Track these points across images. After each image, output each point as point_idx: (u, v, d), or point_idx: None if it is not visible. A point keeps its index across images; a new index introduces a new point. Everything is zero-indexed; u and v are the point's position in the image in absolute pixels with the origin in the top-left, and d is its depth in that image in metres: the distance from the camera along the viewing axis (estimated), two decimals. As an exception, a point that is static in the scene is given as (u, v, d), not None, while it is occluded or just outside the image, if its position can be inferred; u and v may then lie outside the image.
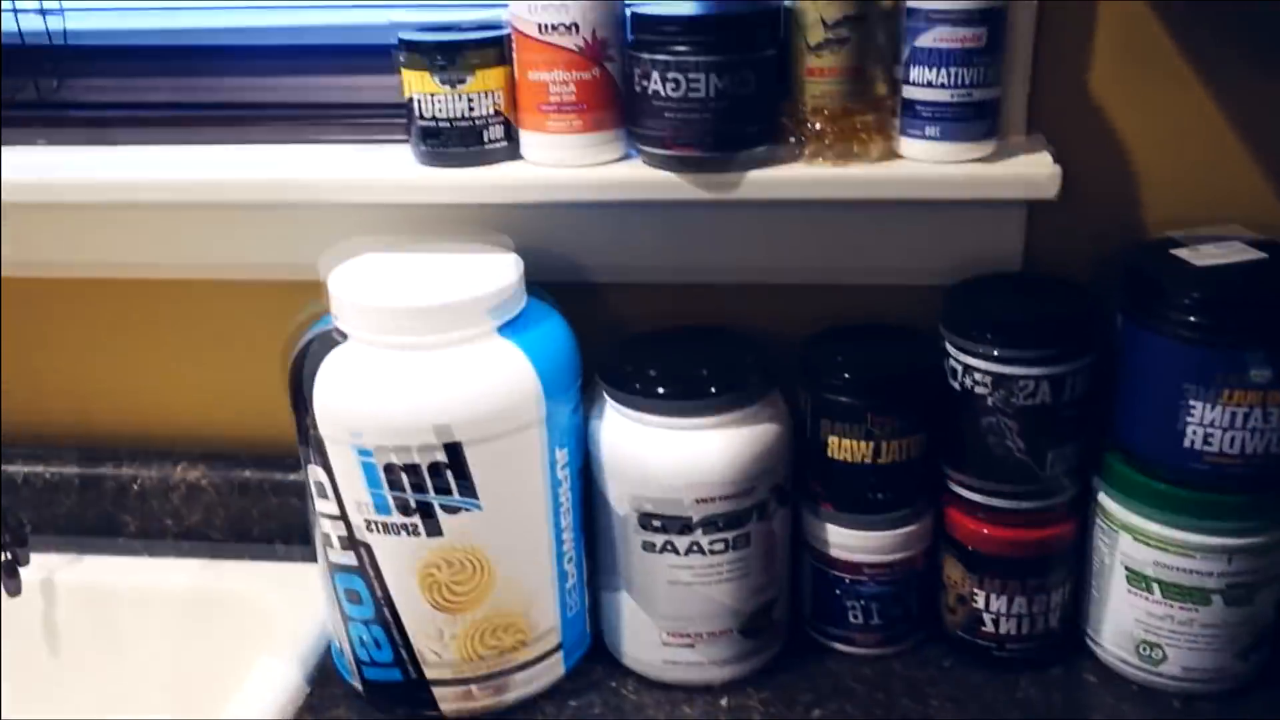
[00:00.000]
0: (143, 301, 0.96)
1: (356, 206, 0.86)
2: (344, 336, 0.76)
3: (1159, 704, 0.79)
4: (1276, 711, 0.78)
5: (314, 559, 0.82)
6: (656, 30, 0.74)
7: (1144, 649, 0.79)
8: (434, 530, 0.75)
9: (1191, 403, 0.72)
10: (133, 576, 0.95)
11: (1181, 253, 0.76)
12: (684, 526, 0.77)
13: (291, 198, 0.81)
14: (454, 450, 0.73)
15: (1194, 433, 0.73)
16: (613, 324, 0.87)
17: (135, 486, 0.97)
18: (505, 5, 0.78)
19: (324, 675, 0.84)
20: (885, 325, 0.85)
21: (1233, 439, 0.72)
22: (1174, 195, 0.82)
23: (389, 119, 0.86)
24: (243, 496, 0.97)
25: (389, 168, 0.81)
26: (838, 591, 0.83)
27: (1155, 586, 0.77)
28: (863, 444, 0.79)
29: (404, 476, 0.73)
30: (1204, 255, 0.75)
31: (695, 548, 0.77)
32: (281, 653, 0.85)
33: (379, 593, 0.77)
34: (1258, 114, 0.81)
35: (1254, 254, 0.75)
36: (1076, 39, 0.79)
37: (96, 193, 0.84)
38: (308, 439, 0.77)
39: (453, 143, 0.79)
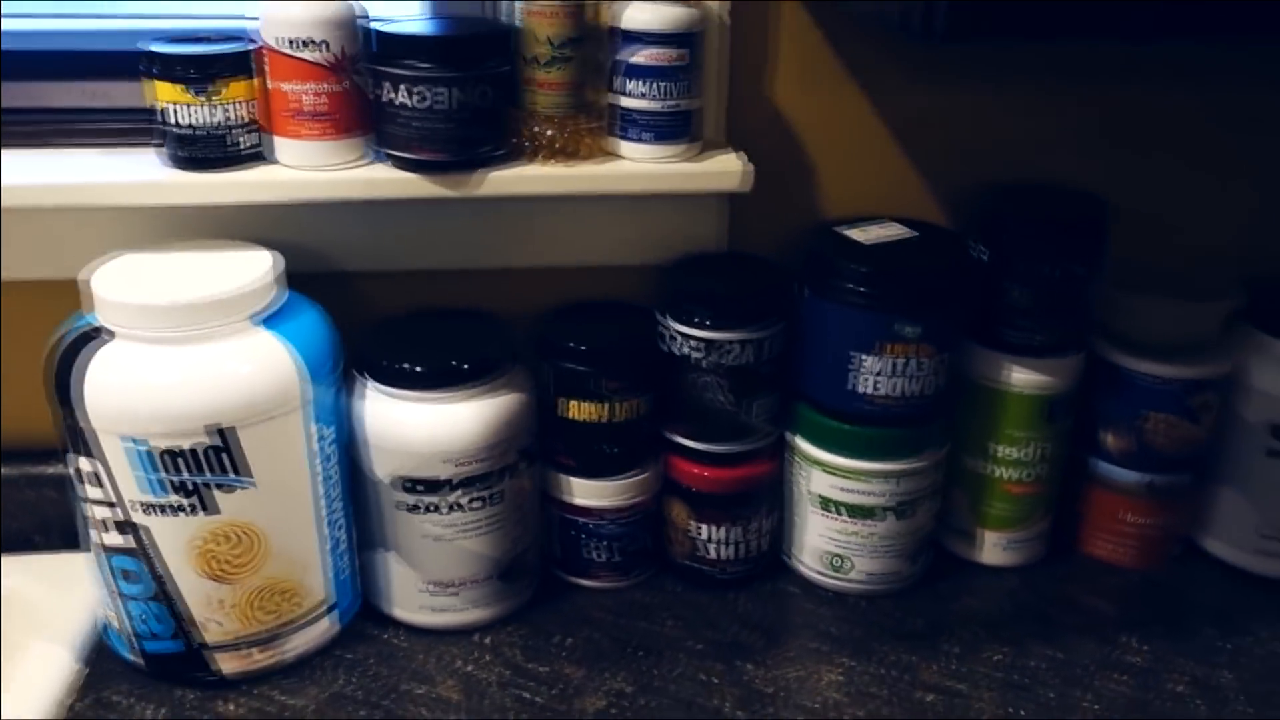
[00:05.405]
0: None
1: (107, 211, 0.88)
2: (109, 334, 0.80)
3: (848, 605, 0.95)
4: (938, 599, 0.96)
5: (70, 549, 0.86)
6: (401, 48, 0.81)
7: (834, 561, 0.95)
8: (210, 508, 0.80)
9: (861, 356, 0.88)
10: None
11: (852, 233, 0.92)
12: (442, 488, 0.86)
13: (49, 202, 0.83)
14: (226, 435, 0.79)
15: (864, 380, 0.88)
16: (368, 308, 0.94)
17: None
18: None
19: (98, 655, 0.88)
20: (607, 302, 0.97)
21: (894, 384, 0.88)
22: (844, 187, 0.98)
23: (128, 125, 0.90)
24: (-4, 492, 0.98)
25: (145, 172, 0.84)
26: (582, 536, 0.94)
27: (841, 509, 0.93)
28: (597, 406, 0.90)
29: (179, 462, 0.79)
30: (870, 235, 0.91)
31: (455, 506, 0.87)
32: (50, 640, 0.88)
33: (157, 570, 0.82)
34: (905, 118, 0.97)
35: (908, 232, 0.92)
36: (761, 58, 0.93)
37: None
38: (74, 431, 0.80)
39: (209, 148, 0.83)
